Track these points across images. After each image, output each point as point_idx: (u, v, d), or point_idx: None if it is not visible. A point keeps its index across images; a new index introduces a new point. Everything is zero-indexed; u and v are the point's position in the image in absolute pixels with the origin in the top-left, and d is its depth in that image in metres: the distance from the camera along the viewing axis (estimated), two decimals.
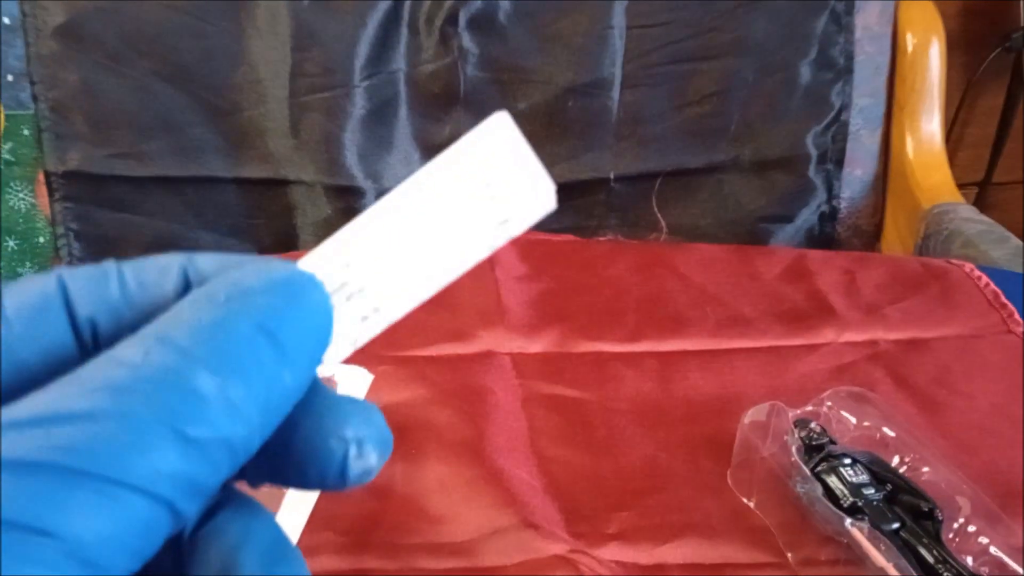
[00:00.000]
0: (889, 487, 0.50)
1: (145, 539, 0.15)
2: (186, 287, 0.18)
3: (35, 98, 0.96)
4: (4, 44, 0.94)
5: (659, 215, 1.04)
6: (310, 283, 0.18)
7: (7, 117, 0.96)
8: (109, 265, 0.18)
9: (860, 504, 0.49)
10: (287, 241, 1.01)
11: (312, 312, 0.18)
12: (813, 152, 1.02)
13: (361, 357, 0.63)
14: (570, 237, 0.91)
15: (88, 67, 0.95)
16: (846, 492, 0.50)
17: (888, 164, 1.05)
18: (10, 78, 0.95)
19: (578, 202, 1.02)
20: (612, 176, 1.01)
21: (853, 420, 0.57)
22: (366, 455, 0.18)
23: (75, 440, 0.14)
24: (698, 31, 0.99)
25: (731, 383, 0.66)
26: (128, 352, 0.15)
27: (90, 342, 0.17)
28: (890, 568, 0.44)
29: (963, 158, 1.22)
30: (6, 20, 0.94)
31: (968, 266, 0.79)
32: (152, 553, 0.15)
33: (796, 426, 0.55)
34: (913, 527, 0.48)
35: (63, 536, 0.14)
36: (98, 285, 0.18)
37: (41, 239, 0.99)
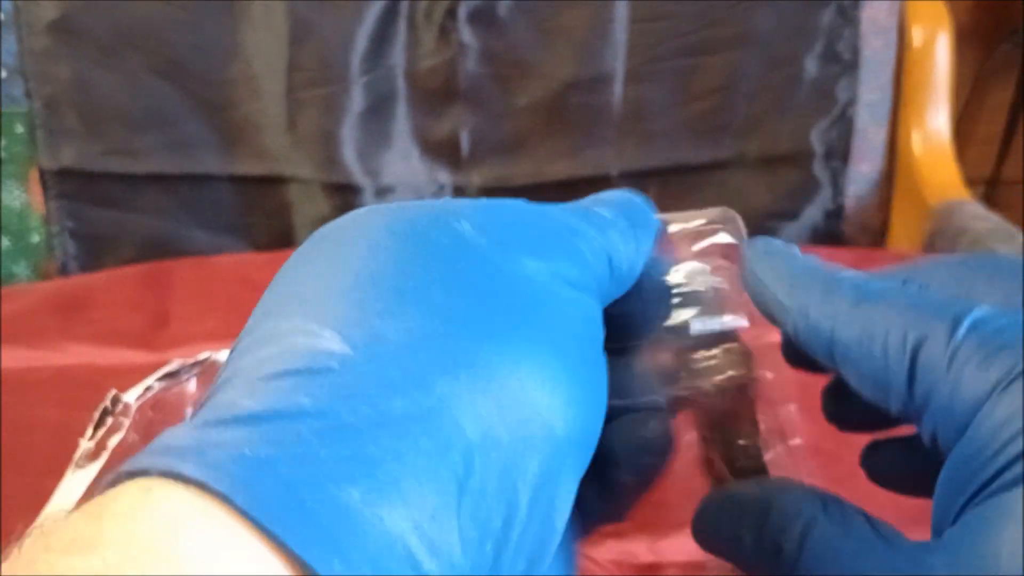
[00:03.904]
0: None
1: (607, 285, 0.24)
2: None
3: (28, 94, 0.95)
4: None
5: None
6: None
7: (0, 114, 0.95)
8: None
9: None
10: (284, 239, 1.00)
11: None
12: (818, 148, 1.01)
13: None
14: None
15: (81, 62, 0.94)
16: None
17: (895, 160, 1.04)
18: (3, 74, 0.94)
19: (580, 199, 1.01)
20: (615, 173, 1.00)
21: None
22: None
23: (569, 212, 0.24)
24: (702, 25, 0.98)
25: None
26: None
27: None
28: None
29: (971, 154, 1.21)
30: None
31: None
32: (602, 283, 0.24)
33: None
34: None
35: (586, 239, 0.23)
36: None
37: (35, 237, 0.98)
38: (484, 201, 0.23)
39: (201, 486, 0.16)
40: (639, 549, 0.53)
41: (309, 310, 0.19)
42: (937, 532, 0.21)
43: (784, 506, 0.23)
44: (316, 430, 0.17)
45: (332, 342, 0.18)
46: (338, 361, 0.18)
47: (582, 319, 0.21)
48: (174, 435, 0.17)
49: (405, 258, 0.20)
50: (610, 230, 0.24)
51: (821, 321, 0.23)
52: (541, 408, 0.19)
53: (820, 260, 0.25)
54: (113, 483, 0.17)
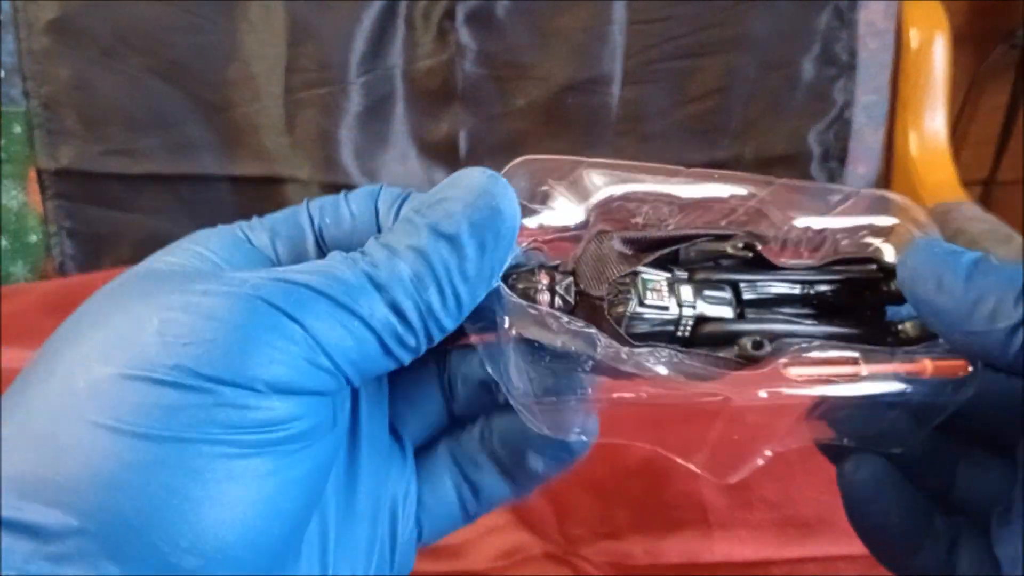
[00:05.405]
0: None
1: (359, 353, 0.22)
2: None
3: (27, 94, 0.95)
4: None
5: None
6: (489, 185, 0.24)
7: None
8: (341, 194, 0.27)
9: None
10: None
11: (484, 213, 0.24)
12: (815, 149, 1.01)
13: None
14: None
15: (80, 63, 0.94)
16: None
17: (892, 162, 1.04)
18: (2, 74, 0.94)
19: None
20: None
21: None
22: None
23: (320, 277, 0.22)
24: (699, 27, 0.98)
25: None
26: (365, 246, 0.23)
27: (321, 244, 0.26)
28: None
29: (968, 156, 1.21)
30: None
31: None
32: (366, 372, 0.23)
33: None
34: None
35: (307, 327, 0.21)
36: (334, 208, 0.26)
37: (33, 237, 0.98)
38: (200, 296, 0.21)
39: None
40: (636, 550, 0.53)
41: None
42: None
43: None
44: None
45: None
46: None
47: (251, 425, 0.21)
48: None
49: (76, 377, 0.20)
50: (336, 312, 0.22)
51: None
52: (165, 549, 0.19)
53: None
54: None
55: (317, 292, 0.22)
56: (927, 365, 0.26)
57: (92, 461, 0.19)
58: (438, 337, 0.24)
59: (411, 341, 0.23)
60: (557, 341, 0.26)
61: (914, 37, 1.01)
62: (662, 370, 0.26)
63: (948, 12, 1.02)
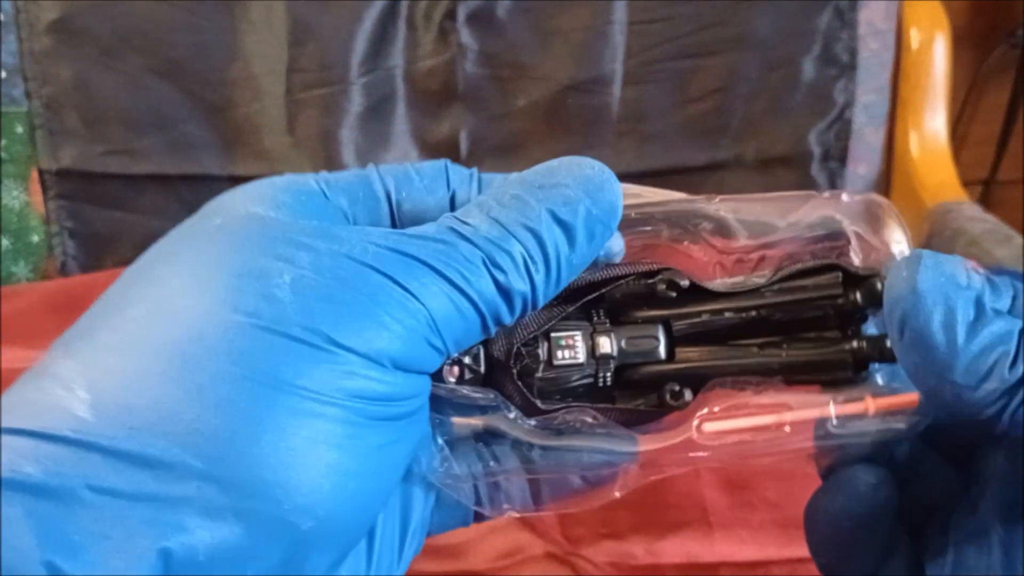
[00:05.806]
0: None
1: (463, 332, 0.22)
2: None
3: (28, 95, 0.95)
4: None
5: None
6: (608, 180, 0.24)
7: (1, 114, 0.95)
8: (408, 165, 0.26)
9: None
10: None
11: (604, 207, 0.24)
12: (816, 150, 1.01)
13: None
14: None
15: (81, 63, 0.94)
16: None
17: (892, 162, 1.04)
18: (3, 74, 0.94)
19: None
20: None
21: None
22: None
23: (436, 252, 0.22)
24: (700, 27, 0.98)
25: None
26: (471, 215, 0.23)
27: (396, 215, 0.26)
28: None
29: (968, 156, 1.21)
30: (0, 16, 0.93)
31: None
32: (462, 348, 0.23)
33: None
34: None
35: (425, 304, 0.21)
36: (405, 179, 0.26)
37: (35, 237, 0.98)
38: (326, 256, 0.21)
39: None
40: (637, 550, 0.53)
41: (88, 356, 0.20)
42: None
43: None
44: (30, 509, 0.17)
45: (81, 405, 0.18)
46: (74, 428, 0.18)
47: (377, 398, 0.21)
48: None
49: (204, 320, 0.20)
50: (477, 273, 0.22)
51: None
52: (285, 506, 0.19)
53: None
54: None
55: (434, 270, 0.21)
56: (869, 405, 0.25)
57: (223, 408, 0.19)
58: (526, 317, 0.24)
59: (507, 320, 0.23)
60: (469, 419, 0.26)
61: (914, 37, 1.01)
62: (570, 441, 0.26)
63: (948, 12, 1.02)
